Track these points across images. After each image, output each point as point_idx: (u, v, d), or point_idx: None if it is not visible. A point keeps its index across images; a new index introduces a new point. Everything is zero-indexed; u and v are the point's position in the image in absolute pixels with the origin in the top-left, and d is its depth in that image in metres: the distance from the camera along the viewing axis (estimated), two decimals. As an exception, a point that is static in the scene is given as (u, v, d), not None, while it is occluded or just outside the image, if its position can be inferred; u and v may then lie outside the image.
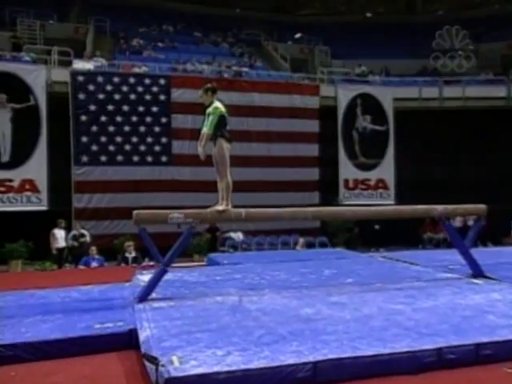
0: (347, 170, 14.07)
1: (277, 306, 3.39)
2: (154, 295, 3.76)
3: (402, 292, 3.79)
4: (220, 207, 4.11)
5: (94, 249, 7.60)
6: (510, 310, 3.09)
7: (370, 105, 14.21)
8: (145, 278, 4.88)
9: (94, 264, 6.93)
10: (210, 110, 4.14)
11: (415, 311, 3.15)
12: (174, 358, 2.18)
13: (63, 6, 16.63)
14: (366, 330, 2.72)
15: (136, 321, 2.82)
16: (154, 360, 2.10)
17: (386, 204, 14.16)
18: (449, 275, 4.65)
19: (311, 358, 2.28)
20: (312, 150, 13.83)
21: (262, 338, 2.58)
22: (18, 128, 11.10)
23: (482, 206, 4.83)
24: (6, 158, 11.02)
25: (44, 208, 11.06)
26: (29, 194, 11.06)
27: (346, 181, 14.10)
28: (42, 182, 11.20)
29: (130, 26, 16.75)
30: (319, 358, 2.27)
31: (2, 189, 10.85)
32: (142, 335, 2.60)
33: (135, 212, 3.70)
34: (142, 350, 2.33)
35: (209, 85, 4.39)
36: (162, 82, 12.44)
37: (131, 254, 7.81)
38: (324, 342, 2.51)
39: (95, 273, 6.19)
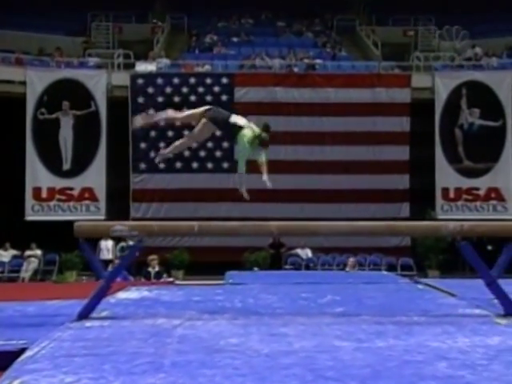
0: (447, 176, 13.13)
1: (205, 334, 3.45)
2: (104, 313, 4.07)
3: (378, 327, 3.57)
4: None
5: (117, 262, 8.33)
6: (479, 359, 2.75)
7: (479, 95, 13.10)
8: (127, 294, 5.25)
9: (118, 279, 7.56)
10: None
11: (356, 350, 2.98)
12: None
13: (142, 7, 18.34)
14: (261, 368, 2.67)
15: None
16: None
17: (501, 219, 12.88)
18: (477, 311, 4.21)
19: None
20: (401, 153, 13.21)
21: (136, 368, 2.69)
22: (78, 135, 12.64)
23: (517, 226, 4.24)
24: (67, 166, 12.63)
25: (102, 217, 12.31)
26: (88, 202, 12.49)
27: (446, 190, 13.15)
28: (101, 191, 12.55)
29: (208, 21, 17.79)
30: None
31: (64, 197, 12.44)
32: (24, 355, 2.89)
33: (76, 224, 4.06)
34: (12, 369, 2.63)
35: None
36: (225, 80, 13.04)
37: (154, 269, 8.36)
38: (192, 377, 2.54)
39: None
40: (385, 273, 7.57)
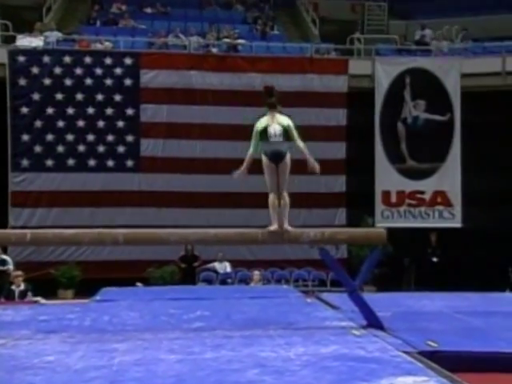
0: (388, 178, 13.88)
1: (22, 353, 3.88)
2: None
3: (222, 340, 4.12)
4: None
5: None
6: (294, 366, 3.29)
7: (424, 85, 13.89)
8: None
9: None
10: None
11: (178, 362, 3.48)
12: None
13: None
14: (59, 382, 3.13)
15: None
16: None
17: (448, 227, 13.85)
18: (343, 323, 4.83)
19: None
20: (336, 150, 13.85)
21: None
22: None
23: (380, 231, 4.89)
24: None
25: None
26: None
27: (387, 193, 13.93)
28: (-29, 193, 12.50)
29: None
30: None
31: None
32: None
33: None
34: None
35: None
36: (129, 61, 13.28)
37: (19, 287, 8.57)
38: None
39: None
40: (284, 287, 8.26)
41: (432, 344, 3.91)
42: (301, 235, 4.81)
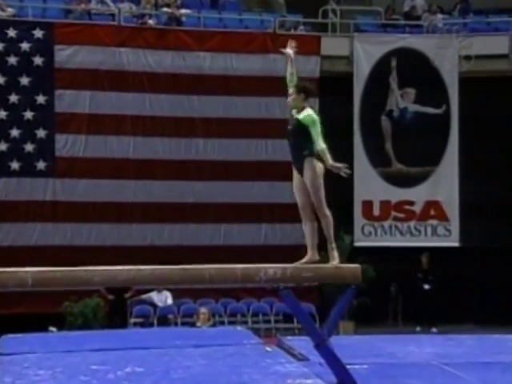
0: (370, 185, 14.17)
1: None
2: None
3: None
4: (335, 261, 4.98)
5: None
6: None
7: (414, 69, 14.23)
8: None
9: None
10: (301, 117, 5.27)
11: None
12: None
13: None
14: None
15: None
16: None
17: (443, 246, 14.16)
18: (308, 382, 4.97)
19: None
20: (305, 150, 14.04)
21: None
22: None
23: (354, 267, 5.05)
24: None
25: None
26: None
27: (368, 204, 14.21)
28: None
29: None
30: None
31: None
32: None
33: None
34: None
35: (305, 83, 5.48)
36: (39, 34, 13.14)
37: None
38: None
39: None
40: (238, 329, 8.35)
41: (414, 411, 4.07)
42: (256, 273, 4.90)
